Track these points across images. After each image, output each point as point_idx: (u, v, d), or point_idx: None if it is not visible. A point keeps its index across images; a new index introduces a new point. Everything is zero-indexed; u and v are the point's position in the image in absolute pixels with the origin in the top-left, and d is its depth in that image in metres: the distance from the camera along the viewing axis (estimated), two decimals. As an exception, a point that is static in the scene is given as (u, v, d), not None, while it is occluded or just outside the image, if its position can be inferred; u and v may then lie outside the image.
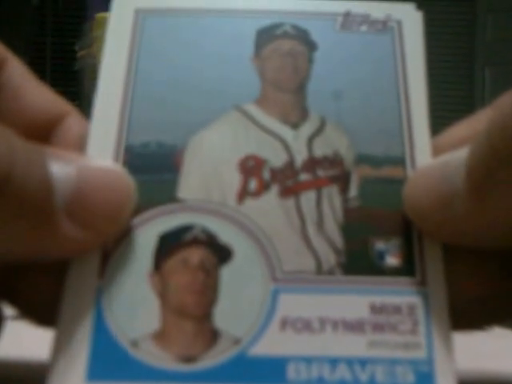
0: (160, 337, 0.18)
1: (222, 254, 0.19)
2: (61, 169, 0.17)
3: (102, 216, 0.18)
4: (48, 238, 0.17)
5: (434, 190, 0.18)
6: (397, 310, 0.18)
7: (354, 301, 0.18)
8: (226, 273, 0.19)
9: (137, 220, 0.19)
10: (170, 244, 0.19)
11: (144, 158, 0.20)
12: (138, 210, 0.19)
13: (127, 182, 0.18)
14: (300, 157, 0.20)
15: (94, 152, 0.20)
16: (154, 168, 0.20)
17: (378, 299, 0.18)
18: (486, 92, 2.26)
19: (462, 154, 0.17)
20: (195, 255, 0.19)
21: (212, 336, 0.18)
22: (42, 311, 0.19)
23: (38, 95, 0.22)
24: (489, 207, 0.17)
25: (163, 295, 0.18)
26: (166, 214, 0.19)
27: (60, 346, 0.18)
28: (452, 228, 0.18)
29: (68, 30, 1.88)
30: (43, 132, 0.21)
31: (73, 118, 0.22)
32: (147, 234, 0.19)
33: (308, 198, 0.20)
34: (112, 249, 0.19)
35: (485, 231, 0.17)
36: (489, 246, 0.18)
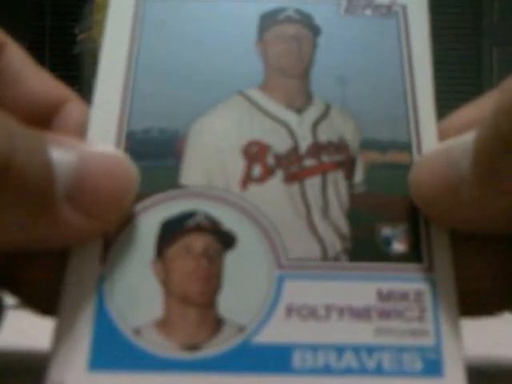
0: (163, 325, 0.18)
1: (225, 240, 0.19)
2: (61, 155, 0.17)
3: (103, 203, 0.17)
4: (49, 225, 0.17)
5: (440, 175, 0.18)
6: (404, 296, 0.18)
7: (361, 287, 0.18)
8: (230, 260, 0.18)
9: (139, 206, 0.19)
10: (172, 231, 0.19)
11: (146, 144, 0.20)
12: (140, 197, 0.19)
13: (129, 168, 0.18)
14: (305, 142, 0.20)
15: (94, 138, 0.20)
16: (156, 154, 0.20)
17: (385, 286, 0.18)
18: (493, 73, 2.25)
19: (468, 138, 0.17)
20: (198, 242, 0.19)
21: (216, 324, 0.18)
22: (43, 300, 0.19)
23: (37, 81, 0.21)
24: (496, 192, 0.16)
25: (166, 283, 0.18)
26: (168, 201, 0.19)
27: (61, 335, 0.17)
28: (459, 213, 0.18)
29: (67, 13, 1.87)
30: (44, 118, 0.21)
31: (73, 103, 0.22)
32: (150, 221, 0.19)
33: (313, 184, 0.20)
34: (114, 236, 0.19)
35: (492, 216, 0.17)
36: (496, 231, 0.18)
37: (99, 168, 0.18)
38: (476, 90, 2.23)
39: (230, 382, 0.17)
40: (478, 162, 0.16)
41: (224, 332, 0.18)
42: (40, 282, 0.19)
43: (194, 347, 0.17)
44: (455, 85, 2.19)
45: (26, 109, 0.21)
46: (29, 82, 0.21)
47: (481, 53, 2.26)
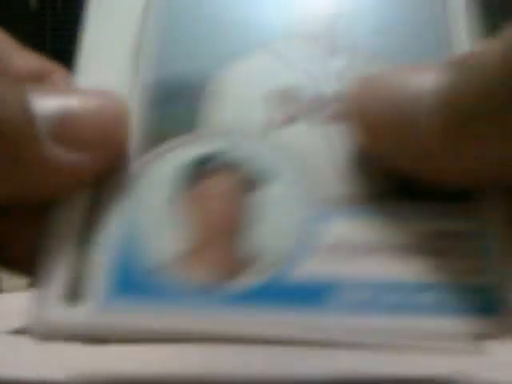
0: (181, 263, 0.16)
1: (251, 181, 0.18)
2: (43, 95, 0.16)
3: (91, 136, 0.17)
4: (37, 167, 0.16)
5: (386, 118, 0.16)
6: (456, 235, 0.17)
7: (407, 226, 0.17)
8: (260, 199, 0.17)
9: (156, 152, 0.18)
10: (191, 174, 0.18)
11: (165, 91, 0.19)
12: (157, 142, 0.18)
13: (118, 102, 0.17)
14: (330, 90, 0.19)
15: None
16: (176, 101, 0.19)
17: (435, 225, 0.17)
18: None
19: (426, 83, 0.15)
20: (221, 183, 0.18)
21: (242, 262, 0.17)
22: (24, 258, 0.17)
23: (19, 58, 0.20)
24: (465, 157, 0.15)
25: (185, 223, 0.17)
26: (186, 144, 0.18)
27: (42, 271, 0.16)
28: (412, 163, 0.16)
29: (68, 35, 1.89)
30: None
31: (58, 73, 0.21)
32: (168, 164, 0.18)
33: (341, 130, 0.18)
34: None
35: (459, 174, 0.16)
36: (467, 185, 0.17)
37: (85, 103, 0.17)
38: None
39: (256, 320, 0.16)
40: (447, 126, 0.15)
41: (250, 270, 0.16)
42: (20, 238, 0.18)
43: (215, 285, 0.16)
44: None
45: None
46: (10, 60, 0.20)
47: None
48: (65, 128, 0.16)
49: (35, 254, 0.17)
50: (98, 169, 0.17)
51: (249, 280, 0.16)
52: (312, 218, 0.17)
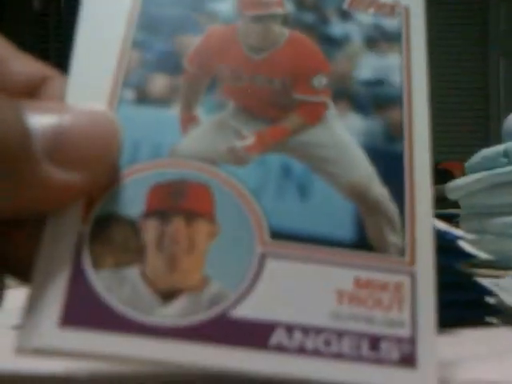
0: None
1: None
2: (39, 117, 0.17)
3: (87, 156, 0.17)
4: (33, 185, 0.16)
5: None
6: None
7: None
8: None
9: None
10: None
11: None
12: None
13: (112, 119, 0.18)
14: None
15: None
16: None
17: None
18: (500, 83, 2.24)
19: None
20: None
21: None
22: (22, 265, 0.18)
23: (19, 62, 0.20)
24: None
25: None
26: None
27: (35, 292, 0.17)
28: None
29: (71, 37, 2.04)
30: (28, 97, 0.20)
31: (57, 80, 0.20)
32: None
33: None
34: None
35: None
36: None
37: (79, 122, 0.17)
38: (483, 99, 2.20)
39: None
40: None
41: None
42: (18, 246, 0.18)
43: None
44: (462, 95, 2.12)
45: (8, 89, 0.20)
46: (10, 63, 0.20)
47: (487, 63, 2.25)
48: (58, 148, 0.17)
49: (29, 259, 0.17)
50: (89, 187, 0.17)
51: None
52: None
